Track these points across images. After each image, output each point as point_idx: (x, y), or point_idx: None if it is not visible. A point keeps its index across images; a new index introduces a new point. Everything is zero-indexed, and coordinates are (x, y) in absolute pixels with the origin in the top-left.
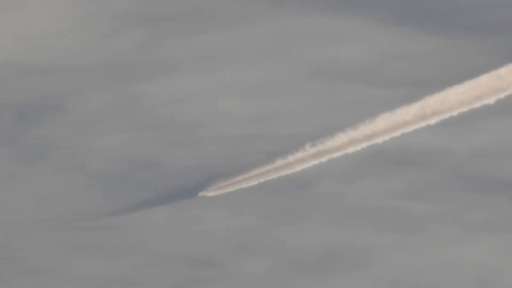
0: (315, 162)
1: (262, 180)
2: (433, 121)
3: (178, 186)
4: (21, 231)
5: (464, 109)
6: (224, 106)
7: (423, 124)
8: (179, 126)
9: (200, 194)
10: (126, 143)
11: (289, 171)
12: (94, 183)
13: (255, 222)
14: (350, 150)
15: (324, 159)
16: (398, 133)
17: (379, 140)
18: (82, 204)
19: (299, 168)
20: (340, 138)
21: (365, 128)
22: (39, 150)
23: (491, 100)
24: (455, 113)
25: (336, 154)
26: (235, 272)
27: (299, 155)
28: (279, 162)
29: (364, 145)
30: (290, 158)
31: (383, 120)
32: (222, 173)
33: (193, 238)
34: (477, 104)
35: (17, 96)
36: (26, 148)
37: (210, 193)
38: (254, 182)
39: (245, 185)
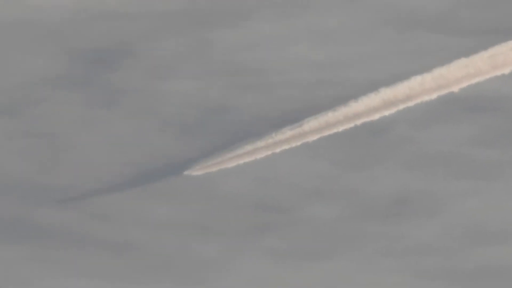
0: (388, 109)
1: (334, 127)
2: (507, 70)
3: (250, 132)
4: (93, 175)
5: None
6: (296, 53)
7: (497, 72)
8: (251, 72)
9: (272, 140)
10: (198, 89)
11: (362, 117)
12: (165, 128)
13: (328, 168)
14: (424, 97)
15: (397, 106)
16: (472, 81)
17: (453, 88)
18: (154, 149)
19: (372, 114)
20: (414, 85)
21: (439, 76)
22: (112, 94)
23: None
24: None
25: (409, 103)
26: (306, 218)
27: (371, 101)
28: (351, 109)
29: (438, 93)
30: (363, 104)
31: (457, 68)
32: (293, 119)
33: (264, 184)
34: None
35: (91, 41)
36: (99, 92)
37: (281, 138)
38: (327, 130)
39: (317, 133)
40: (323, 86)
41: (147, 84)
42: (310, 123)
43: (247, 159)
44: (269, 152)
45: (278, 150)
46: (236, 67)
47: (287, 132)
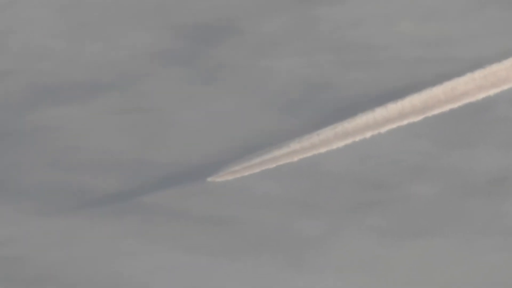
0: (492, 88)
1: (438, 107)
2: None
3: (354, 109)
4: (196, 152)
5: None
6: (401, 29)
7: None
8: (356, 49)
9: (374, 117)
10: (302, 66)
11: (466, 96)
12: (268, 105)
13: (429, 145)
14: None
15: (501, 86)
16: None
17: None
18: (257, 126)
19: (476, 93)
20: None
21: None
22: (215, 71)
23: None
24: None
25: None
26: (408, 196)
27: (476, 80)
28: (455, 87)
29: None
30: (467, 82)
31: None
32: (397, 96)
33: (367, 161)
34: None
35: (196, 17)
36: (203, 68)
37: (384, 116)
38: (431, 110)
39: (421, 112)
40: (427, 63)
41: (251, 61)
42: (414, 101)
43: (352, 138)
44: (373, 131)
45: (382, 129)
46: (341, 44)
47: (391, 110)
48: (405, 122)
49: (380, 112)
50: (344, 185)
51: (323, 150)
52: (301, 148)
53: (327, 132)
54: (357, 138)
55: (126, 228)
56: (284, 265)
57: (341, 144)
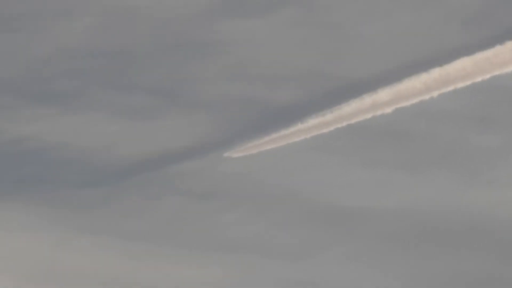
0: None
1: None
2: None
3: None
4: (375, 65)
5: None
6: None
7: None
8: None
9: None
10: None
11: None
12: (449, 19)
13: None
14: None
15: None
16: None
17: None
18: (438, 40)
19: None
20: None
21: None
22: None
23: None
24: None
25: None
26: None
27: None
28: None
29: None
30: None
31: None
32: None
33: None
34: None
35: None
36: None
37: None
38: None
39: None
40: None
41: None
42: None
43: None
44: None
45: None
46: None
47: None
48: None
49: None
50: None
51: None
52: (474, 64)
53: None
54: None
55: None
56: (460, 178)
57: None
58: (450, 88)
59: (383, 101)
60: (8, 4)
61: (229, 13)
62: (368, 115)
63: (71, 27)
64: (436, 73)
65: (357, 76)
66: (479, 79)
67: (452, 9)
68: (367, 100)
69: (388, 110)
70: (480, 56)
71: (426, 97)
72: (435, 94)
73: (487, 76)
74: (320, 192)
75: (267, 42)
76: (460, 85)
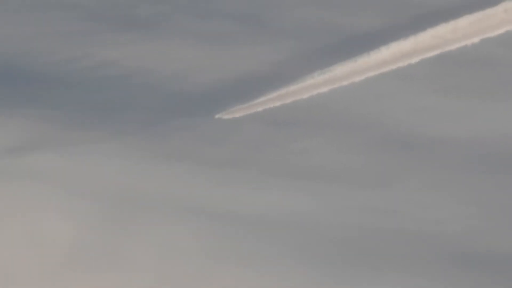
0: None
1: None
2: None
3: None
4: None
5: None
6: None
7: None
8: None
9: None
10: None
11: None
12: None
13: None
14: None
15: None
16: None
17: None
18: None
19: None
20: None
21: None
22: None
23: None
24: None
25: None
26: None
27: None
28: None
29: None
30: None
31: None
32: None
33: None
34: None
35: None
36: None
37: None
38: None
39: None
40: None
41: None
42: None
43: None
44: None
45: None
46: None
47: None
48: None
49: None
50: None
51: None
52: None
53: None
54: None
55: None
56: None
57: None
58: None
59: (466, 31)
60: None
61: None
62: (452, 46)
63: None
64: None
65: (438, 3)
66: None
67: None
68: (449, 28)
69: (474, 40)
70: None
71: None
72: None
73: None
74: (400, 119)
75: None
76: None
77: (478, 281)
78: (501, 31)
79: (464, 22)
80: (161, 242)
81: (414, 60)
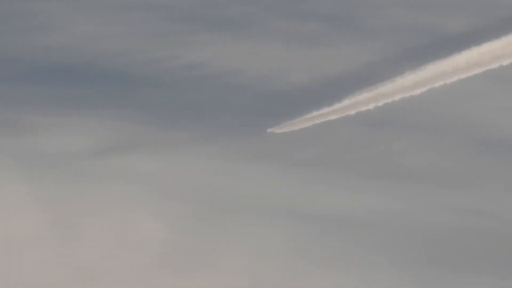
0: None
1: None
2: None
3: None
4: None
5: None
6: None
7: None
8: None
9: None
10: None
11: None
12: None
13: None
14: None
15: None
16: None
17: None
18: None
19: None
20: None
21: None
22: None
23: None
24: None
25: None
26: None
27: None
28: None
29: None
30: None
31: None
32: None
33: None
34: None
35: None
36: None
37: None
38: None
39: None
40: None
41: None
42: None
43: None
44: None
45: None
46: None
47: None
48: None
49: None
50: None
51: None
52: None
53: None
54: None
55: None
56: None
57: None
58: None
59: None
60: None
61: None
62: None
63: None
64: None
65: None
66: None
67: None
68: None
69: None
70: None
71: None
72: None
73: None
74: (490, 121)
75: None
76: None
77: None
78: None
79: None
80: (251, 243)
81: (506, 62)
